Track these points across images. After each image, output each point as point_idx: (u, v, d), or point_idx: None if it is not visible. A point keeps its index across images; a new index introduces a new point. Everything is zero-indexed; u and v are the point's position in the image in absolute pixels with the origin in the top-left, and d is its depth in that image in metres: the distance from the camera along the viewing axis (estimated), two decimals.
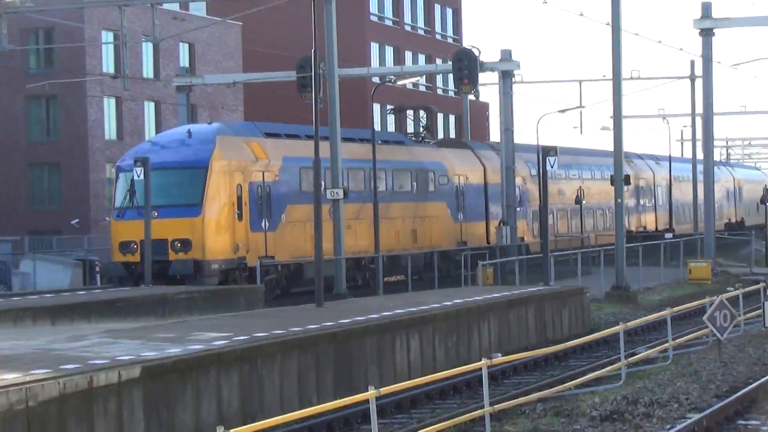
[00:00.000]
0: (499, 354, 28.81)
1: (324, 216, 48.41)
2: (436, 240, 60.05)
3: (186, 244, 42.03)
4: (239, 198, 44.31)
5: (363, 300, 44.32)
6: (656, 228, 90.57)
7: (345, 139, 58.74)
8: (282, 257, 46.48)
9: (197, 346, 25.31)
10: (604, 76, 72.05)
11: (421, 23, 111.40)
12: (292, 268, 48.85)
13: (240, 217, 44.36)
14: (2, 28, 57.67)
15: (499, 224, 64.36)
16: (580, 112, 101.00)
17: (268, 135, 50.62)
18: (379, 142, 59.81)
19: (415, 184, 57.60)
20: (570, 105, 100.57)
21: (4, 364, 22.26)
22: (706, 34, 62.82)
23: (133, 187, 43.54)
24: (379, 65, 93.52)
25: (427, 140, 71.24)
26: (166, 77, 78.69)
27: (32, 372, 21.19)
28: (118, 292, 45.24)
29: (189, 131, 47.22)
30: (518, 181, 69.23)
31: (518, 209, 68.84)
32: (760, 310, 38.93)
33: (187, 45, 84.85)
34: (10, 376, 20.54)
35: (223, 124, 55.87)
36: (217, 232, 43.32)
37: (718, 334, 33.60)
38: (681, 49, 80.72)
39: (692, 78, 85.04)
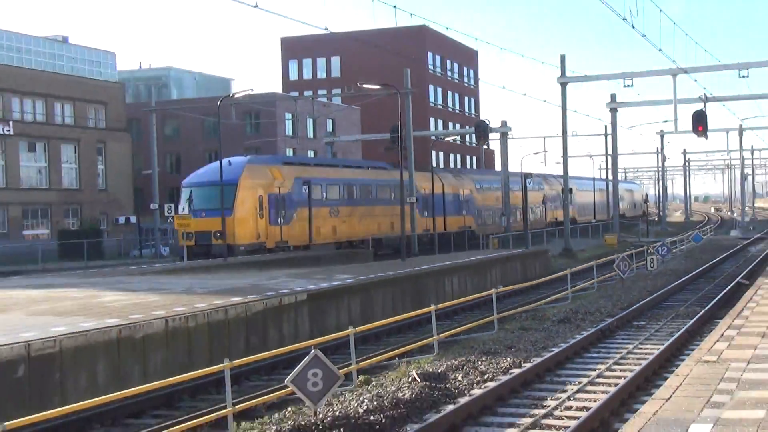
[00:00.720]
0: (501, 286, 28.62)
1: (324, 213, 47.32)
2: (407, 229, 54.04)
3: (222, 234, 38.73)
4: (260, 204, 41.65)
5: (427, 257, 43.31)
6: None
7: (356, 167, 56.60)
8: (293, 242, 43.63)
9: (337, 282, 25.52)
10: (558, 134, 71.12)
11: (457, 106, 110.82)
12: (302, 248, 45.35)
13: (261, 216, 41.58)
14: (232, 112, 59.73)
15: (501, 216, 64.21)
16: (544, 155, 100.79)
17: (286, 163, 47.51)
18: (368, 167, 57.29)
19: (393, 194, 51.24)
20: (539, 150, 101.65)
21: (233, 292, 22.49)
22: (613, 111, 61.76)
23: (190, 197, 42.00)
24: (435, 129, 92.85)
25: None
26: (320, 137, 78.73)
27: (248, 296, 21.40)
28: (295, 253, 44.70)
29: (229, 161, 43.55)
30: (467, 192, 64.87)
31: (466, 209, 64.08)
32: (644, 261, 38.62)
33: (331, 119, 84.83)
34: (236, 299, 20.83)
35: (253, 156, 51.47)
36: (242, 226, 40.80)
37: (621, 275, 33.29)
38: (600, 119, 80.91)
39: (605, 135, 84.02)
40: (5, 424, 9.77)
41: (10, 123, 62.94)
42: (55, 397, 14.64)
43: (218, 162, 42.65)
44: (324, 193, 46.92)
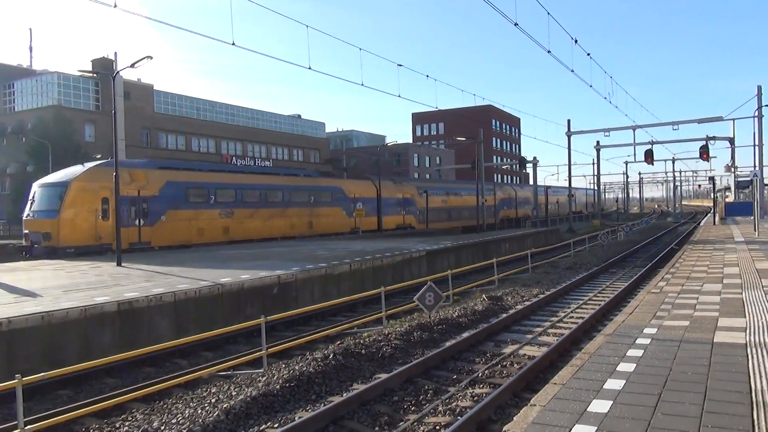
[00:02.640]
0: (533, 248, 27.83)
1: (210, 215, 29.07)
2: (334, 227, 36.76)
3: (47, 236, 23.18)
4: (104, 206, 24.20)
5: (491, 232, 40.56)
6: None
7: (269, 173, 35.97)
8: (160, 243, 26.17)
9: (441, 245, 24.94)
10: (566, 163, 68.68)
11: (507, 149, 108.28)
12: (167, 248, 26.28)
13: (105, 218, 24.07)
14: (385, 154, 59.35)
15: (532, 209, 62.25)
16: (558, 175, 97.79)
17: (162, 168, 28.12)
18: (285, 175, 36.54)
19: (312, 197, 35.28)
20: (554, 172, 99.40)
21: (386, 250, 22.38)
22: (598, 150, 57.61)
23: (33, 197, 24.71)
24: (496, 162, 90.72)
25: (336, 176, 46.27)
26: (432, 166, 78.71)
27: (394, 253, 21.32)
28: (419, 230, 42.82)
29: (83, 164, 26.58)
30: (408, 196, 44.81)
31: (407, 210, 44.40)
32: (616, 234, 36.86)
33: (438, 157, 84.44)
34: (387, 254, 20.70)
35: (111, 160, 24.73)
36: (69, 228, 23.54)
37: (602, 242, 31.87)
38: (590, 155, 77.78)
39: (593, 163, 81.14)
40: (267, 318, 10.04)
41: (270, 161, 65.23)
42: (292, 304, 15.03)
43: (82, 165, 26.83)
44: (212, 197, 29.29)
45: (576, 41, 26.54)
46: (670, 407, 5.02)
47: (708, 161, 45.70)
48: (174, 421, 7.06)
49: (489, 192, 57.19)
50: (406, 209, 44.29)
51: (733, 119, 43.04)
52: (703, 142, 41.55)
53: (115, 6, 14.42)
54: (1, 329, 9.57)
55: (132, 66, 18.47)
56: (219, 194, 29.92)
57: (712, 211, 47.54)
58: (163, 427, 6.88)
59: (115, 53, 49.65)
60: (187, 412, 7.35)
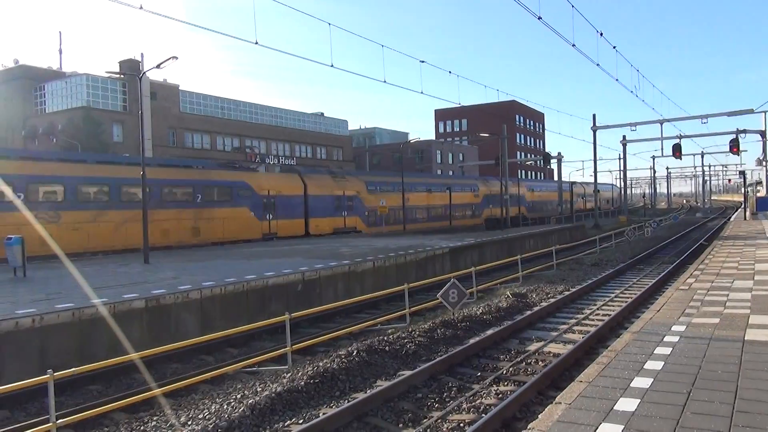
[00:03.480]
0: (557, 245, 27.45)
1: (68, 216, 22.06)
2: (234, 232, 28.84)
3: None
4: None
5: (515, 228, 40.35)
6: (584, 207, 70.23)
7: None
8: None
9: (465, 242, 24.86)
10: (591, 158, 67.72)
11: (531, 145, 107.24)
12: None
13: None
14: (407, 151, 59.18)
15: (557, 206, 61.40)
16: (583, 171, 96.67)
17: None
18: (158, 165, 27.55)
19: (200, 195, 27.50)
20: (580, 168, 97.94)
21: (408, 248, 22.38)
22: (624, 145, 56.84)
23: None
24: (520, 157, 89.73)
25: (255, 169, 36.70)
26: (455, 163, 78.24)
27: (417, 250, 21.29)
28: (438, 228, 43.72)
29: None
30: (352, 193, 36.74)
31: (349, 210, 36.54)
32: (643, 230, 36.30)
33: (461, 153, 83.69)
34: (411, 251, 20.65)
35: None
36: None
37: (629, 238, 31.36)
38: (615, 150, 76.52)
39: (619, 158, 79.61)
40: (291, 315, 10.10)
41: (294, 159, 65.64)
42: (316, 301, 15.10)
43: None
44: (20, 194, 20.93)
45: (601, 34, 26.06)
46: (699, 406, 4.92)
47: (738, 155, 44.74)
48: (200, 416, 7.15)
49: (457, 188, 49.80)
50: (349, 209, 36.51)
51: (765, 111, 41.97)
52: (734, 136, 40.65)
53: (141, 8, 14.62)
54: None
55: (158, 67, 18.71)
56: (32, 190, 21.64)
57: (742, 206, 46.51)
58: (189, 422, 6.98)
59: (142, 54, 50.52)
60: (213, 407, 7.44)
